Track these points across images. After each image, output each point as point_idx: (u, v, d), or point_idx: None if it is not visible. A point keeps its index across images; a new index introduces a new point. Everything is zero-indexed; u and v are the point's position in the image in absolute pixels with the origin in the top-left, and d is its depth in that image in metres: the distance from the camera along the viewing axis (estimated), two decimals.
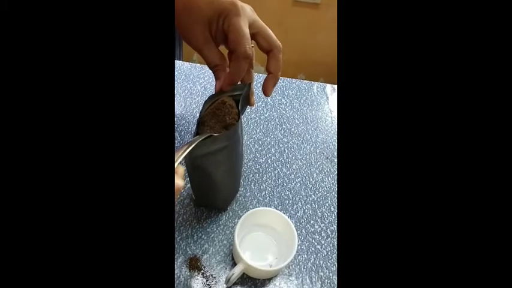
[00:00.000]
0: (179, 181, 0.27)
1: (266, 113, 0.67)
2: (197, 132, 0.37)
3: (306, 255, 0.49)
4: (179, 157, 0.30)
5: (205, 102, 0.40)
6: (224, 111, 0.37)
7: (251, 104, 0.43)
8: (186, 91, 0.68)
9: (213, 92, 0.42)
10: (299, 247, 0.49)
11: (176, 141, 0.60)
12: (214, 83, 0.71)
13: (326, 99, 0.72)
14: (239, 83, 0.41)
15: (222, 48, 0.41)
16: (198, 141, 0.33)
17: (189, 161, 0.40)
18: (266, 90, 0.41)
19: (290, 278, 0.46)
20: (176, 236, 0.48)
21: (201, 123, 0.38)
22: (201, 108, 0.40)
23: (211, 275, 0.45)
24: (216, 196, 0.48)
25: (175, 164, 0.29)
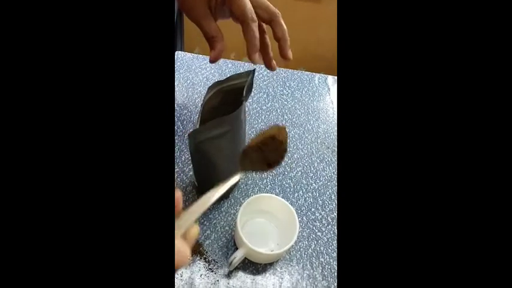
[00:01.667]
0: (186, 250, 0.24)
1: (268, 103, 0.68)
2: (201, 120, 0.37)
3: (306, 242, 0.49)
4: (192, 215, 0.26)
5: (210, 88, 0.40)
6: (272, 146, 0.34)
7: (272, 69, 0.42)
8: (188, 81, 0.68)
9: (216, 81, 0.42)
10: (300, 234, 0.50)
11: (179, 130, 0.60)
12: (216, 74, 0.72)
13: (327, 90, 0.72)
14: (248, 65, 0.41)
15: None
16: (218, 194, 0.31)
17: (192, 146, 0.40)
18: (285, 56, 0.41)
19: (291, 264, 0.47)
20: None
21: (244, 154, 0.35)
22: (204, 94, 0.40)
23: (214, 260, 0.46)
24: (219, 183, 0.48)
25: (190, 222, 0.26)
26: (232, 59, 0.74)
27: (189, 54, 0.73)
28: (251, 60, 0.39)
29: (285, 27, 0.41)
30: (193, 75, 0.69)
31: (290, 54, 0.41)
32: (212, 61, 0.39)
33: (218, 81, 0.41)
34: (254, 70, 0.42)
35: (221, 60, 0.73)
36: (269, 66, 0.42)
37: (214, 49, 0.39)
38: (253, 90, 0.69)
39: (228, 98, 0.42)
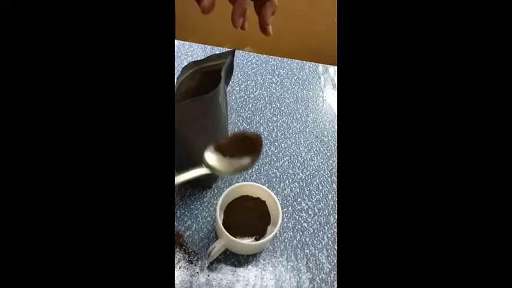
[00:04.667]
0: None
1: (256, 91, 0.65)
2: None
3: (291, 233, 0.47)
4: None
5: (185, 68, 0.38)
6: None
7: (267, 33, 0.38)
8: (174, 69, 0.66)
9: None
10: (285, 224, 0.48)
11: None
12: None
13: (318, 79, 0.70)
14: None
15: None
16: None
17: None
18: (265, 19, 0.37)
19: (275, 255, 0.45)
20: None
21: (219, 150, 0.37)
22: (179, 74, 0.38)
23: (194, 251, 0.44)
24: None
25: None
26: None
27: (175, 41, 0.71)
28: (233, 22, 0.35)
29: None
30: (179, 62, 0.67)
31: (270, 19, 0.37)
32: (206, 11, 0.33)
33: (195, 61, 0.39)
34: (234, 51, 0.40)
35: (208, 47, 0.71)
36: (243, 27, 0.37)
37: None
38: (241, 77, 0.67)
39: (206, 80, 0.40)
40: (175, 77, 0.40)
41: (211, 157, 0.35)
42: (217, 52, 0.70)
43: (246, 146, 0.37)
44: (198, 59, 0.68)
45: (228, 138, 0.37)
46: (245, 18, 0.36)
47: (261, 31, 0.37)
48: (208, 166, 0.34)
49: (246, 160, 0.36)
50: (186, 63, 0.67)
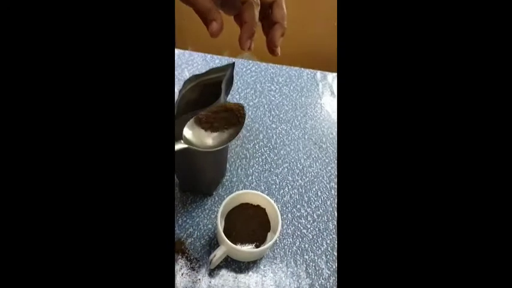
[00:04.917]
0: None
1: (255, 99, 0.67)
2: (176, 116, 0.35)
3: (291, 239, 0.48)
4: None
5: (187, 81, 0.39)
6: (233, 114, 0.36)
7: (275, 54, 0.37)
8: (174, 78, 0.67)
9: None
10: (284, 231, 0.49)
11: None
12: (203, 70, 0.71)
13: (316, 86, 0.71)
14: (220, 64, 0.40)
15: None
16: None
17: None
18: (273, 40, 0.36)
19: (275, 261, 0.46)
20: None
21: (199, 124, 0.36)
22: (181, 87, 0.39)
23: (195, 258, 0.45)
24: (200, 180, 0.47)
25: None
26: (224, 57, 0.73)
27: (175, 50, 0.72)
28: (241, 45, 0.34)
29: (285, 11, 0.36)
30: (179, 71, 0.68)
31: (279, 42, 0.36)
32: (215, 35, 0.33)
33: (196, 74, 0.40)
34: (234, 63, 0.41)
35: (208, 56, 0.72)
36: (250, 49, 0.35)
37: (213, 22, 0.33)
38: (240, 86, 0.68)
39: (207, 92, 0.41)
40: (177, 89, 0.40)
41: (189, 133, 0.33)
42: (217, 61, 0.72)
43: (227, 118, 0.35)
44: (198, 67, 0.70)
45: (208, 111, 0.35)
46: (252, 40, 0.35)
47: (269, 52, 0.37)
48: (187, 142, 0.33)
49: (227, 133, 0.35)
50: (186, 72, 0.69)
